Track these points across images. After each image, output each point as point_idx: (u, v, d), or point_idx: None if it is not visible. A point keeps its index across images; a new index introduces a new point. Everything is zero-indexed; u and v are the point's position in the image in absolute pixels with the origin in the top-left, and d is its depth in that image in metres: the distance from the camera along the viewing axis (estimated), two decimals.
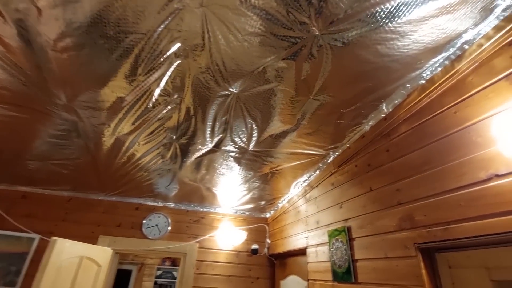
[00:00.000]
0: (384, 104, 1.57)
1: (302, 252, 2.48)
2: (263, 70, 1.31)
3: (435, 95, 1.34)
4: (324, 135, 1.85)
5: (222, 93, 1.47)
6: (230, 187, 2.75)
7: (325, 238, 2.04)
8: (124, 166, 2.32)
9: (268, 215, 3.56)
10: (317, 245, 2.17)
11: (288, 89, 1.43)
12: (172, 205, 3.26)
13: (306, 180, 2.53)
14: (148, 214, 3.15)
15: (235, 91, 1.46)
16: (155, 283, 6.11)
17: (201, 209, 3.35)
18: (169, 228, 3.14)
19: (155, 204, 3.23)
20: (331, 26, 1.10)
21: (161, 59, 1.26)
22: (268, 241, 3.34)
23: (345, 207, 1.89)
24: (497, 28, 1.08)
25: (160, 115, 1.65)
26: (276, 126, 1.75)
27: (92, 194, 3.09)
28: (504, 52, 1.08)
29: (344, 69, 1.31)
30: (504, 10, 1.04)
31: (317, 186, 2.38)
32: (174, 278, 6.12)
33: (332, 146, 1.99)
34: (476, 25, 1.11)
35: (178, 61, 1.27)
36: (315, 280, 2.12)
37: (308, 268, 2.25)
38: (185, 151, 2.08)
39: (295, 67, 1.29)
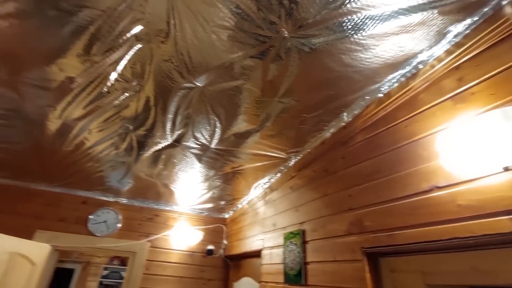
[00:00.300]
0: (345, 113, 1.63)
1: (257, 254, 2.48)
2: (230, 66, 1.28)
3: (390, 109, 1.42)
4: (287, 138, 1.87)
5: (186, 85, 1.40)
6: (189, 185, 2.66)
7: (281, 241, 2.06)
8: (72, 154, 2.12)
9: (226, 216, 3.51)
10: (272, 247, 2.19)
11: (254, 89, 1.42)
12: (124, 201, 3.06)
13: (267, 182, 2.54)
14: (97, 209, 2.91)
15: (199, 84, 1.40)
16: (101, 283, 5.70)
17: (156, 207, 3.20)
18: (119, 225, 2.94)
19: (105, 198, 3.00)
20: (300, 30, 1.11)
21: (120, 40, 1.16)
22: (225, 242, 3.29)
23: (301, 210, 1.93)
24: (448, 52, 1.18)
25: (116, 102, 1.54)
26: (240, 125, 1.73)
27: (34, 184, 2.78)
28: (451, 75, 1.17)
29: (309, 74, 1.33)
30: (455, 36, 1.13)
31: (277, 189, 2.40)
32: (122, 278, 5.76)
33: (294, 150, 2.02)
34: (430, 47, 1.20)
35: (139, 45, 1.19)
36: (267, 282, 2.12)
37: (262, 270, 2.25)
38: (142, 144, 1.96)
39: (262, 67, 1.28)
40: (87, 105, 1.56)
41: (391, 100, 1.40)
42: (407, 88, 1.34)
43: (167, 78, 1.36)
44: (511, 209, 0.87)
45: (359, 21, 1.07)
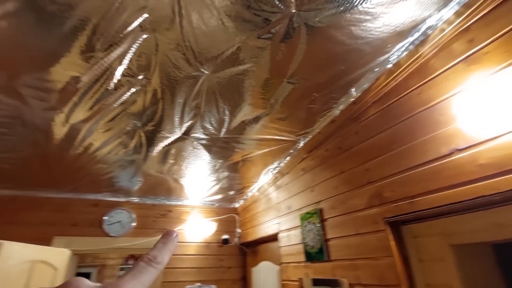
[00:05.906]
0: (353, 89, 1.62)
1: (273, 238, 2.51)
2: (238, 49, 1.25)
3: (400, 79, 1.41)
4: (296, 120, 1.86)
5: (193, 73, 1.38)
6: (199, 178, 2.66)
7: (297, 222, 2.09)
8: (79, 158, 2.10)
9: (237, 205, 3.54)
10: (289, 229, 2.21)
11: (263, 71, 1.40)
12: (136, 200, 3.07)
13: (276, 167, 2.55)
14: (109, 211, 2.92)
15: (207, 72, 1.38)
16: None
17: (168, 202, 3.21)
18: (134, 224, 2.96)
19: (116, 199, 3.00)
20: (308, 4, 1.08)
21: (124, 32, 1.13)
22: (239, 230, 3.33)
23: (316, 190, 1.94)
24: (457, 14, 1.16)
25: (123, 98, 1.51)
26: (247, 110, 1.71)
27: (41, 192, 2.76)
28: (462, 37, 1.16)
29: (318, 51, 1.31)
30: None
31: (288, 172, 2.41)
32: None
33: (303, 132, 2.02)
34: (439, 10, 1.18)
35: (144, 36, 1.16)
36: (288, 263, 2.16)
37: (281, 252, 2.29)
38: (151, 140, 1.94)
39: (271, 47, 1.25)
40: (93, 105, 1.53)
41: (401, 69, 1.39)
42: (416, 56, 1.33)
43: (174, 68, 1.34)
44: None
45: None
